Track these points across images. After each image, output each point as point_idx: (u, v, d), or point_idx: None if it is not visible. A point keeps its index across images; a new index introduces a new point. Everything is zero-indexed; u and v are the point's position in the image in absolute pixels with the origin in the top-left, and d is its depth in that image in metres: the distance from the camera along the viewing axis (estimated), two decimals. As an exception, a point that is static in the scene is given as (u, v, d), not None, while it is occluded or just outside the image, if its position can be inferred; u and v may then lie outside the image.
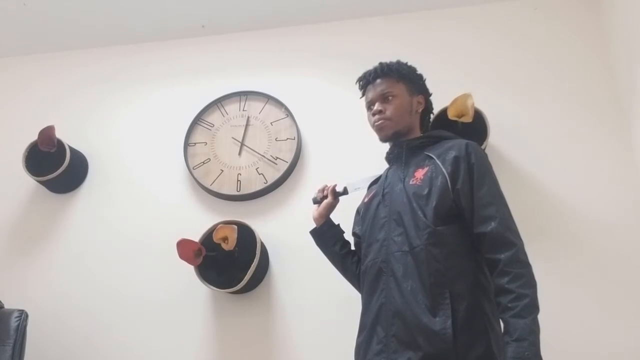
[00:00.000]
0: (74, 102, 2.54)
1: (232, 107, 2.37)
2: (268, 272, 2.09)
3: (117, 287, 2.16)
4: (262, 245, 2.02)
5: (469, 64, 2.22)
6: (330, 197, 1.72)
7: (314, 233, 1.74)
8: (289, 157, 2.22)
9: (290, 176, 2.22)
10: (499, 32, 2.25)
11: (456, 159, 1.39)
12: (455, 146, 1.43)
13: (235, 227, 1.97)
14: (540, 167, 2.01)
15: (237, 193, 2.20)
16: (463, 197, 1.35)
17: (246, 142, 2.29)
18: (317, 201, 1.76)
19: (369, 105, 1.61)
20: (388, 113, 1.55)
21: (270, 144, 2.26)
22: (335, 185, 1.75)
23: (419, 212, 1.37)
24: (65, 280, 2.21)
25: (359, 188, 1.75)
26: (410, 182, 1.44)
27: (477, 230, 1.33)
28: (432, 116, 1.72)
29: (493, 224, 1.30)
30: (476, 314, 1.28)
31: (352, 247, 1.70)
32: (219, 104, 2.38)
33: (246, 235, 2.00)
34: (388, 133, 1.57)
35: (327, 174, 2.14)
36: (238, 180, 2.23)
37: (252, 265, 1.94)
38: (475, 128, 1.94)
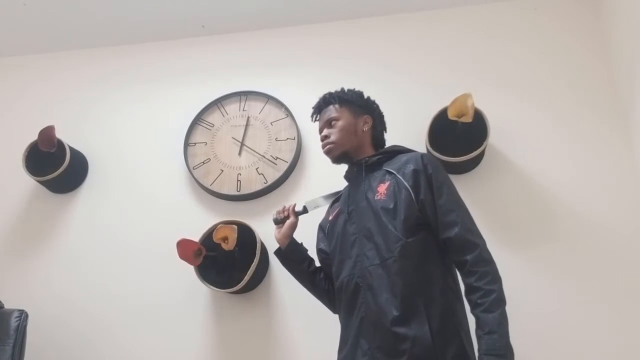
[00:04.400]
0: (74, 102, 2.54)
1: (232, 107, 2.37)
2: (268, 272, 2.09)
3: (117, 287, 2.16)
4: (262, 245, 2.03)
5: (469, 64, 2.22)
6: (292, 216, 1.75)
7: (279, 254, 1.76)
8: (289, 157, 2.22)
9: (290, 176, 2.22)
10: (499, 32, 2.25)
11: (415, 172, 1.47)
12: (412, 159, 1.51)
13: (235, 227, 1.97)
14: (540, 166, 2.01)
15: (237, 193, 2.20)
16: (427, 206, 1.44)
17: (246, 142, 2.29)
18: (278, 222, 1.77)
19: (320, 133, 1.69)
20: (332, 137, 1.64)
21: (270, 144, 2.26)
22: (295, 205, 1.78)
23: (390, 226, 1.44)
24: (65, 280, 2.21)
25: (318, 206, 1.79)
26: (376, 198, 1.50)
27: (442, 236, 1.42)
28: (384, 133, 1.75)
29: (456, 229, 1.39)
30: (448, 316, 1.36)
31: (317, 264, 1.74)
32: (219, 104, 2.38)
33: (246, 235, 2.00)
34: (335, 154, 1.65)
35: (327, 174, 2.13)
36: (238, 180, 2.23)
37: (252, 265, 1.94)
38: (475, 128, 1.94)
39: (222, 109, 2.38)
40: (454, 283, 1.45)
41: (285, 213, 1.76)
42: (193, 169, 2.27)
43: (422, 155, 1.52)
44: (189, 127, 2.34)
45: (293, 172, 2.23)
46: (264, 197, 2.20)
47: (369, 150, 1.66)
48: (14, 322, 1.86)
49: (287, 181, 2.21)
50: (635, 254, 1.84)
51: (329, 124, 1.66)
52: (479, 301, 1.32)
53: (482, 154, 2.00)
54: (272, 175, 2.20)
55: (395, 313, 1.35)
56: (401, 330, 1.33)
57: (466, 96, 1.91)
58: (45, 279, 2.22)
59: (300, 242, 1.76)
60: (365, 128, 1.66)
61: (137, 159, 2.38)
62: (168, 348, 2.04)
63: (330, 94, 1.71)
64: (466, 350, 1.34)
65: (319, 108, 1.72)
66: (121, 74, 2.55)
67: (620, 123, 2.01)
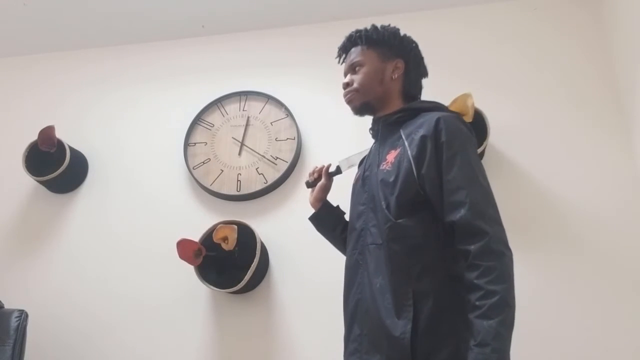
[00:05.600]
0: (74, 102, 2.54)
1: (232, 107, 2.37)
2: (268, 272, 2.09)
3: (117, 287, 2.16)
4: (262, 245, 2.03)
5: (469, 64, 2.22)
6: (324, 178, 1.59)
7: (312, 219, 1.61)
8: (289, 157, 2.22)
9: (290, 176, 2.22)
10: (499, 32, 2.25)
11: (423, 139, 1.22)
12: (425, 123, 1.25)
13: (235, 227, 1.97)
14: (540, 166, 2.01)
15: (237, 193, 2.20)
16: (428, 183, 1.19)
17: (246, 142, 2.29)
18: (310, 185, 1.63)
19: (344, 77, 1.47)
20: (355, 84, 1.40)
21: (270, 144, 2.26)
22: (329, 166, 1.62)
23: (382, 203, 1.24)
24: (65, 280, 2.21)
25: (352, 165, 1.61)
26: (381, 167, 1.30)
27: (446, 219, 1.17)
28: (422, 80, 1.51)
29: (462, 211, 1.13)
30: (444, 314, 1.14)
31: None
32: (219, 104, 2.38)
33: (246, 235, 2.00)
34: (356, 105, 1.41)
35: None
36: (238, 180, 2.23)
37: (252, 265, 1.94)
38: (475, 128, 1.91)
39: (222, 109, 2.38)
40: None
41: (316, 175, 1.60)
42: (193, 169, 2.27)
43: (440, 118, 1.23)
44: (189, 127, 2.34)
45: (293, 172, 2.23)
46: (264, 197, 2.20)
47: (397, 103, 1.40)
48: (14, 322, 1.86)
49: (287, 181, 2.21)
50: (636, 252, 1.84)
51: (352, 69, 1.42)
52: (477, 303, 1.06)
53: (482, 154, 2.00)
54: (272, 175, 2.20)
55: (384, 302, 1.17)
56: (386, 323, 1.15)
57: (466, 96, 1.91)
58: (45, 279, 2.22)
59: (336, 205, 1.61)
60: (395, 75, 1.39)
61: (137, 159, 2.38)
62: (168, 348, 2.04)
63: (357, 31, 1.44)
64: (461, 356, 1.08)
65: (344, 49, 1.48)
66: (121, 74, 2.56)
67: (621, 123, 2.01)
